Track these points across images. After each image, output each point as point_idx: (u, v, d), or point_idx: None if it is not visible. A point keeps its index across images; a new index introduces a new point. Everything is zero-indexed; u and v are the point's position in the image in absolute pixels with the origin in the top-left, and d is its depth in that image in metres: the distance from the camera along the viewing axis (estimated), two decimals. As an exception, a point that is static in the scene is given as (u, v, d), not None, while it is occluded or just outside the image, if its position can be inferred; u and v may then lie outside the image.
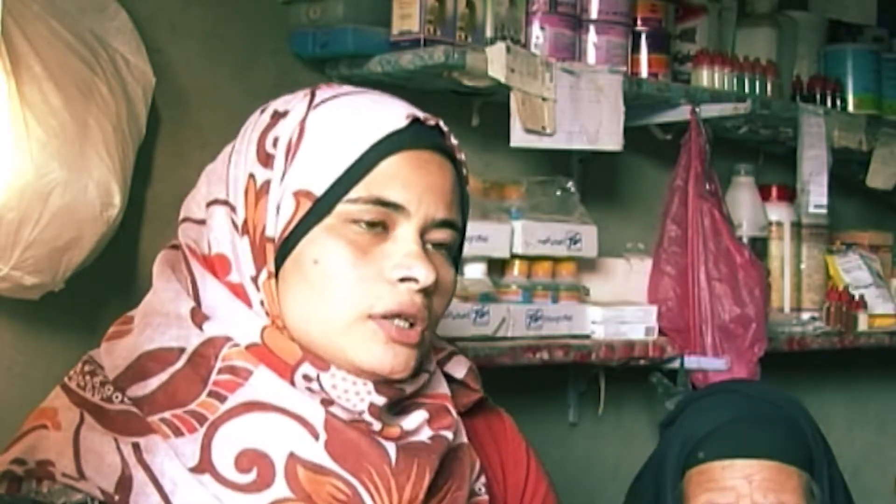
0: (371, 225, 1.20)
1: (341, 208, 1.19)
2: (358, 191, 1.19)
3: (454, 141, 1.28)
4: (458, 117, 2.27)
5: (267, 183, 1.21)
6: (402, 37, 2.01)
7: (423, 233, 1.22)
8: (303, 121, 1.22)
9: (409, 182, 1.21)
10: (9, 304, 1.67)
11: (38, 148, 1.51)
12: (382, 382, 1.20)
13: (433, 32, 2.00)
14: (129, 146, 1.68)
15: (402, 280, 1.19)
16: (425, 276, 1.19)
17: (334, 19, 2.02)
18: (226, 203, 1.24)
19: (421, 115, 1.24)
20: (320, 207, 1.19)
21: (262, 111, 1.27)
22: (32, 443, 1.18)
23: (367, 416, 1.19)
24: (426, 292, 1.21)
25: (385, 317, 1.19)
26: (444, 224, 1.24)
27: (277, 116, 1.24)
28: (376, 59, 2.04)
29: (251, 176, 1.22)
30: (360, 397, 1.19)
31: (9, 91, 1.48)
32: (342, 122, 1.22)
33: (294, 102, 1.25)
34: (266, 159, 1.22)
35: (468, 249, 2.06)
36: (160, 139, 1.87)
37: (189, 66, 1.92)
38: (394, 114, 1.23)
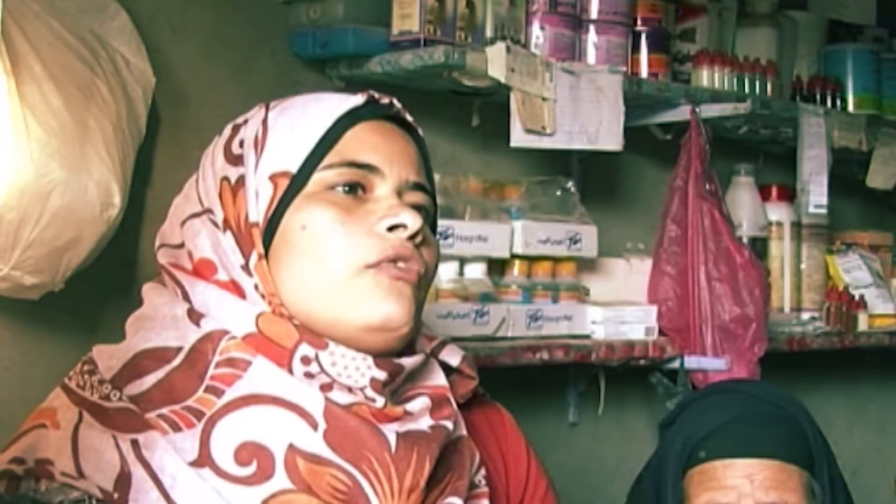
0: (349, 189, 1.23)
1: (317, 176, 1.22)
2: (331, 158, 1.23)
3: (409, 117, 1.31)
4: (458, 117, 2.27)
5: (241, 178, 1.24)
6: (402, 37, 2.01)
7: (399, 194, 1.25)
8: (264, 120, 1.26)
9: (377, 146, 1.25)
10: (9, 304, 1.67)
11: (38, 148, 1.51)
12: (381, 357, 1.21)
13: (433, 32, 2.00)
14: (129, 146, 1.68)
15: (391, 230, 1.22)
16: (412, 220, 1.22)
17: (334, 19, 2.02)
18: (201, 213, 1.26)
19: (375, 94, 1.29)
20: (298, 182, 1.22)
21: (220, 134, 1.31)
22: (31, 442, 1.18)
23: (369, 392, 1.19)
24: (415, 243, 1.23)
25: (379, 263, 1.21)
26: (418, 187, 1.27)
27: (237, 127, 1.29)
28: (376, 59, 2.04)
29: (224, 179, 1.25)
30: (361, 372, 1.19)
31: (9, 91, 1.48)
32: (302, 111, 1.26)
33: (251, 113, 1.30)
34: (235, 160, 1.25)
35: (468, 249, 2.08)
36: (160, 139, 1.87)
37: (189, 66, 1.92)
38: (350, 96, 1.28)
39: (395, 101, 1.30)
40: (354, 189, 1.23)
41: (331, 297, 1.20)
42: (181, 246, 1.27)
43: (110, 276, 1.76)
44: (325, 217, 1.21)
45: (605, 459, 2.57)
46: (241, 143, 1.25)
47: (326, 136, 1.23)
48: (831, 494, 1.71)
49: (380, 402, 1.19)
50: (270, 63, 2.04)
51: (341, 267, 1.20)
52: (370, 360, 1.20)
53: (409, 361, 1.24)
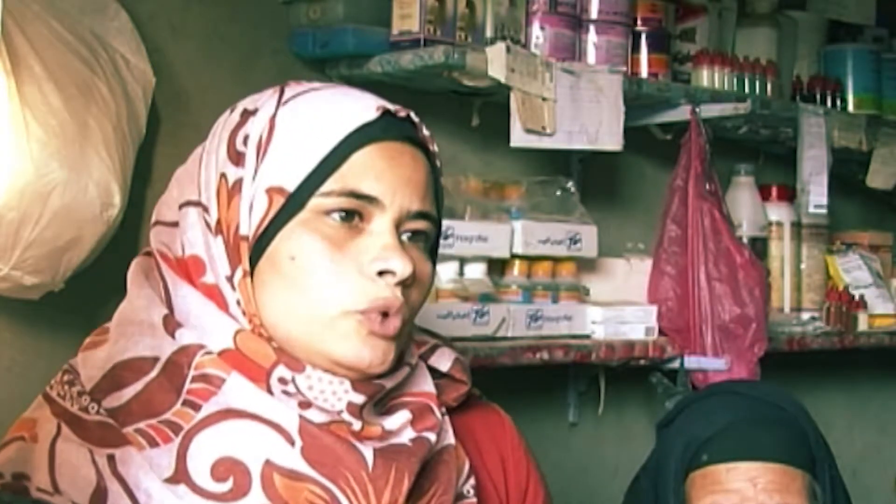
0: (345, 217, 1.18)
1: (315, 202, 1.18)
2: (331, 184, 1.18)
3: (426, 132, 1.26)
4: (458, 117, 2.27)
5: (239, 181, 1.20)
6: (402, 37, 2.01)
7: (398, 225, 1.20)
8: (272, 117, 1.21)
9: (382, 174, 1.19)
10: (9, 304, 1.67)
11: (38, 148, 1.51)
12: (360, 380, 1.19)
13: (433, 32, 2.00)
14: (129, 146, 1.68)
15: (380, 274, 1.18)
16: (402, 268, 1.18)
17: (334, 19, 2.02)
18: (198, 204, 1.23)
19: (392, 106, 1.23)
20: (293, 203, 1.18)
21: (232, 110, 1.26)
22: (10, 455, 1.18)
23: (346, 416, 1.17)
24: (404, 285, 1.19)
25: (366, 312, 1.18)
26: (420, 216, 1.22)
27: (247, 115, 1.23)
28: (376, 59, 2.04)
29: (223, 176, 1.21)
30: (338, 396, 1.17)
31: (9, 91, 1.48)
32: (312, 117, 1.21)
33: (263, 100, 1.24)
34: (237, 158, 1.21)
35: (468, 249, 2.08)
36: (160, 139, 1.87)
37: (189, 66, 1.92)
38: (364, 106, 1.22)
39: (413, 116, 1.25)
40: (351, 217, 1.19)
41: (310, 330, 1.18)
42: (175, 225, 1.24)
43: (110, 276, 1.75)
44: (316, 251, 1.17)
45: (605, 459, 2.57)
46: (246, 140, 1.21)
47: (331, 155, 1.18)
48: (832, 496, 1.71)
49: (356, 425, 1.18)
50: (270, 63, 2.04)
51: (326, 307, 1.17)
52: (347, 383, 1.18)
53: (390, 382, 1.22)
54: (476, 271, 2.10)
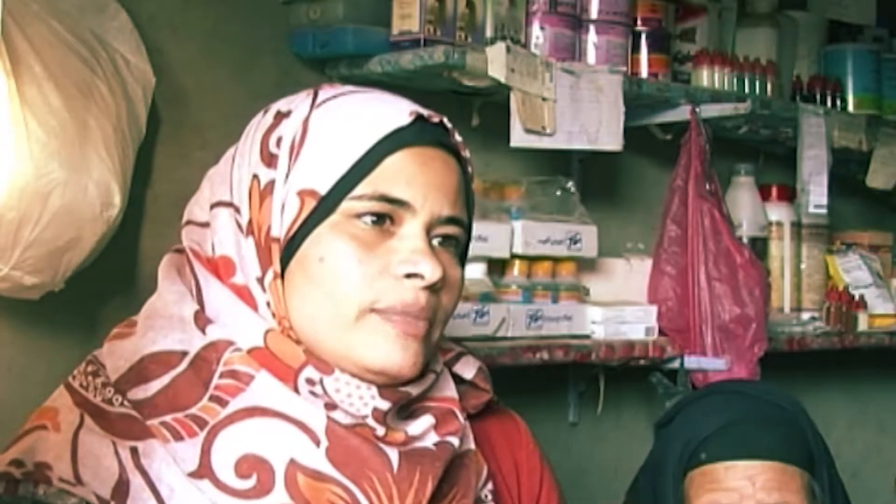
0: (376, 221, 1.19)
1: (346, 205, 1.18)
2: (363, 188, 1.18)
3: (458, 138, 1.27)
4: (458, 117, 2.26)
5: (271, 183, 1.21)
6: (402, 37, 2.01)
7: (429, 229, 1.21)
8: (306, 120, 1.22)
9: (414, 179, 1.20)
10: (9, 304, 1.67)
11: (38, 148, 1.51)
12: (387, 386, 1.19)
13: (433, 32, 2.00)
14: (129, 146, 1.68)
15: (408, 276, 1.18)
16: (431, 271, 1.18)
17: (334, 19, 2.02)
18: (230, 205, 1.23)
19: (425, 112, 1.24)
20: (325, 205, 1.19)
21: (265, 112, 1.26)
22: (32, 444, 1.18)
23: (370, 421, 1.18)
24: (432, 289, 1.19)
25: (386, 311, 1.18)
26: (451, 221, 1.23)
27: (280, 116, 1.24)
28: (376, 59, 2.04)
29: (255, 177, 1.22)
30: (364, 401, 1.18)
31: (9, 91, 1.48)
32: (345, 120, 1.21)
33: (296, 102, 1.24)
34: (270, 159, 1.22)
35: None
36: (160, 139, 1.87)
37: (189, 66, 1.92)
38: (397, 111, 1.22)
39: (446, 121, 1.25)
40: (382, 220, 1.19)
41: (337, 334, 1.18)
42: (207, 225, 1.25)
43: (110, 276, 1.76)
44: (345, 253, 1.17)
45: (605, 459, 2.57)
46: (279, 142, 1.21)
47: (364, 159, 1.19)
48: (830, 495, 1.71)
49: (380, 430, 1.18)
50: (270, 63, 2.04)
51: (351, 308, 1.18)
52: (374, 389, 1.18)
53: (416, 389, 1.22)
54: (476, 271, 2.10)
